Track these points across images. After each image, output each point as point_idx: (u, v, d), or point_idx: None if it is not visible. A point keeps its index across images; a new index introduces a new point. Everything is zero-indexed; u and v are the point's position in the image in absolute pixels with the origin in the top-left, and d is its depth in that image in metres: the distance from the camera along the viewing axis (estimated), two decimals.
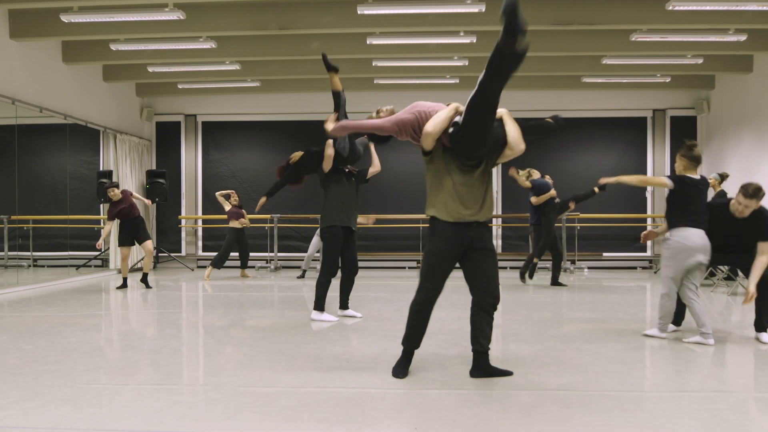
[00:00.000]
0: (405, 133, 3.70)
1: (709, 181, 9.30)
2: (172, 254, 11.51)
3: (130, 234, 8.15)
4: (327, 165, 5.66)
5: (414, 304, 3.76)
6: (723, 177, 9.30)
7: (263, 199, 6.33)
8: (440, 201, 3.60)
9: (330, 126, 3.97)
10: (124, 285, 8.25)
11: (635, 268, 11.26)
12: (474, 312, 3.67)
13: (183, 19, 7.35)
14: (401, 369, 3.76)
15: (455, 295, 7.18)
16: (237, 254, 10.13)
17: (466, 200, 3.58)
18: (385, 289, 8.11)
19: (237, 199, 10.14)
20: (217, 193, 10.24)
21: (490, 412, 3.08)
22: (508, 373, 3.70)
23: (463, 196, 3.58)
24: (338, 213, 5.62)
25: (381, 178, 11.55)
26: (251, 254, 10.87)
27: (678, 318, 5.10)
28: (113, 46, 8.33)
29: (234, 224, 9.85)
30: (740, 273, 7.72)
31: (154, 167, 11.80)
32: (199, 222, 11.93)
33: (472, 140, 3.46)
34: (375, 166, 6.09)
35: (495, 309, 3.67)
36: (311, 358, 4.20)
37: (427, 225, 3.76)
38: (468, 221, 3.58)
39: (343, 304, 5.87)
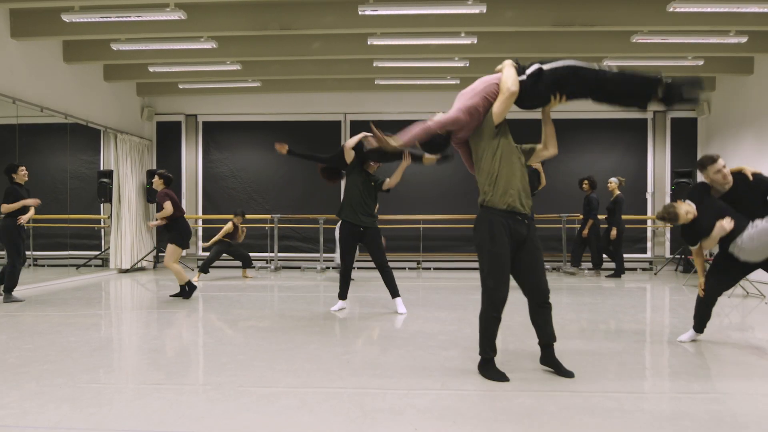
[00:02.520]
0: (475, 120, 3.68)
1: (609, 185, 9.56)
2: None
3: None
4: (348, 156, 5.97)
5: (483, 311, 3.69)
6: (621, 182, 9.57)
7: (285, 147, 6.22)
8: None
9: (395, 141, 3.63)
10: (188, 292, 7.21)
11: (635, 269, 11.25)
12: (530, 309, 3.82)
13: (184, 19, 7.35)
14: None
15: (455, 296, 7.18)
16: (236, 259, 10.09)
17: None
18: (386, 290, 8.10)
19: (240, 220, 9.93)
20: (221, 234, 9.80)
21: (490, 412, 3.08)
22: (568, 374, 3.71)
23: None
24: (346, 209, 6.00)
25: None
26: (252, 254, 10.89)
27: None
28: (114, 46, 8.33)
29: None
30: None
31: (154, 167, 11.80)
32: (200, 222, 11.93)
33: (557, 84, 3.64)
34: (394, 179, 6.17)
35: (548, 303, 3.79)
36: (311, 359, 4.20)
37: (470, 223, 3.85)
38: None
39: (392, 295, 6.33)
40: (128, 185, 10.64)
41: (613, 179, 9.74)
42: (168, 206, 7.01)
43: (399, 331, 5.14)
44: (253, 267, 10.97)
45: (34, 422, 2.93)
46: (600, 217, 9.88)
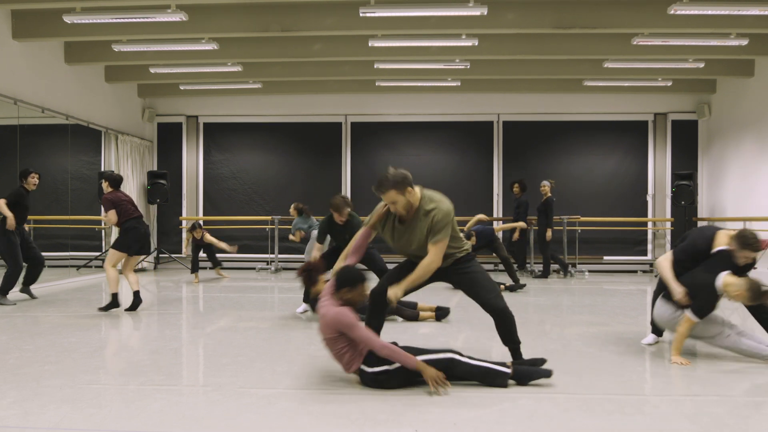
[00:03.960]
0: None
1: (542, 189, 9.75)
2: (173, 255, 11.49)
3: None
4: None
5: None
6: (552, 184, 9.91)
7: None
8: None
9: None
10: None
11: (636, 271, 11.24)
12: None
13: (185, 21, 7.34)
14: None
15: (455, 298, 7.17)
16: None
17: None
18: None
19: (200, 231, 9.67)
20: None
21: (491, 414, 3.08)
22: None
23: None
24: None
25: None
26: (253, 255, 10.94)
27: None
28: (115, 47, 8.34)
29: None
30: None
31: (155, 168, 11.80)
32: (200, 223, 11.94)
33: None
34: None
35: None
36: (312, 360, 4.20)
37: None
38: None
39: None
40: (129, 186, 10.63)
41: (545, 182, 9.87)
42: (111, 215, 6.24)
43: (399, 333, 5.14)
44: (253, 269, 11.00)
45: (34, 423, 2.93)
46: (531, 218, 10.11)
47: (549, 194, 9.80)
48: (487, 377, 3.52)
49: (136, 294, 6.30)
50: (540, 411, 3.12)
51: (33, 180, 6.85)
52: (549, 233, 9.66)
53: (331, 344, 3.52)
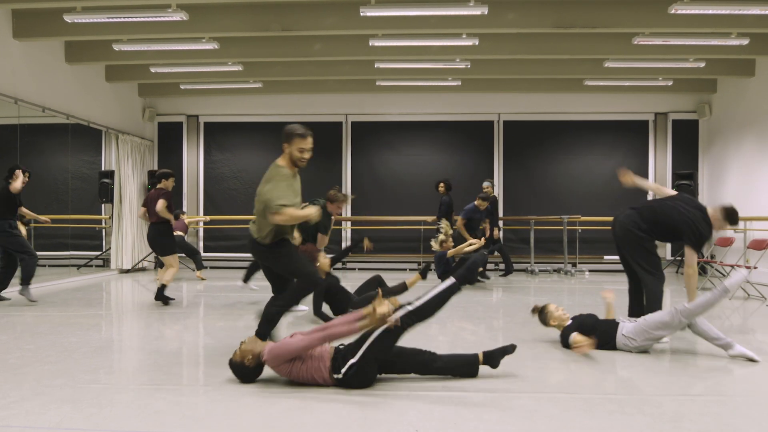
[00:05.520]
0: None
1: (486, 190, 9.76)
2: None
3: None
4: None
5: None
6: (491, 183, 10.05)
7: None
8: None
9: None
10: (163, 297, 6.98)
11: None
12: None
13: (186, 20, 7.35)
14: None
15: (456, 298, 7.18)
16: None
17: None
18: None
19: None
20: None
21: (491, 414, 3.08)
22: None
23: None
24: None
25: (381, 180, 11.60)
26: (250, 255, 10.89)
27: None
28: (116, 47, 8.34)
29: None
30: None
31: (155, 167, 11.80)
32: (201, 223, 11.93)
33: None
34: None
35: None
36: None
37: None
38: None
39: None
40: (129, 186, 10.65)
41: (486, 183, 9.90)
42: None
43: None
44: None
45: (35, 423, 2.93)
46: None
47: (492, 194, 9.88)
48: (459, 366, 3.72)
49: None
50: (540, 411, 3.12)
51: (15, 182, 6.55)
52: (496, 231, 9.86)
53: (293, 373, 3.50)
